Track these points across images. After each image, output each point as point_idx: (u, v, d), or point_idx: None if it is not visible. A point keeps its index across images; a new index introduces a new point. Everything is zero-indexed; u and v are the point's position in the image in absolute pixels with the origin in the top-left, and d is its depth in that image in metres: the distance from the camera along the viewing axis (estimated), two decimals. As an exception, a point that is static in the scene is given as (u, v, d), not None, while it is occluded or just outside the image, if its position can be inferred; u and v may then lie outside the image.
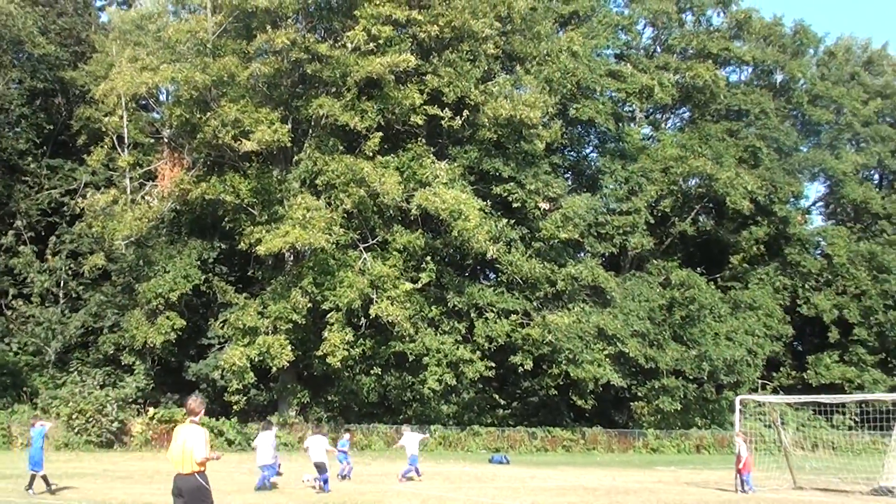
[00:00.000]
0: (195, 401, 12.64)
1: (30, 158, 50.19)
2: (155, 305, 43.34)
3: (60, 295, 47.30)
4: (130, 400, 41.87)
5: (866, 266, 63.72)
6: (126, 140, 46.99)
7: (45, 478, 23.08)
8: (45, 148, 51.20)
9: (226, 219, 45.80)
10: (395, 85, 45.06)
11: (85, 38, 53.42)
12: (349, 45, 43.62)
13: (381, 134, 44.70)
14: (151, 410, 42.31)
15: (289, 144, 44.18)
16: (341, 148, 45.21)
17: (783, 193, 62.45)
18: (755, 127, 64.08)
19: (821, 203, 75.63)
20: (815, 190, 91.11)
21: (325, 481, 24.91)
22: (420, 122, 45.79)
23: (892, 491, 27.00)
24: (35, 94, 51.52)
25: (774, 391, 59.31)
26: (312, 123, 45.67)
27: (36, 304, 46.13)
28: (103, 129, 46.09)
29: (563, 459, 43.90)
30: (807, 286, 63.59)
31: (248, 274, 48.04)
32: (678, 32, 65.32)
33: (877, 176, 75.98)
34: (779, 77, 67.98)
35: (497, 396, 51.65)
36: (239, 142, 42.01)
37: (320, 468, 25.07)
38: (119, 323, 45.17)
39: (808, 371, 62.83)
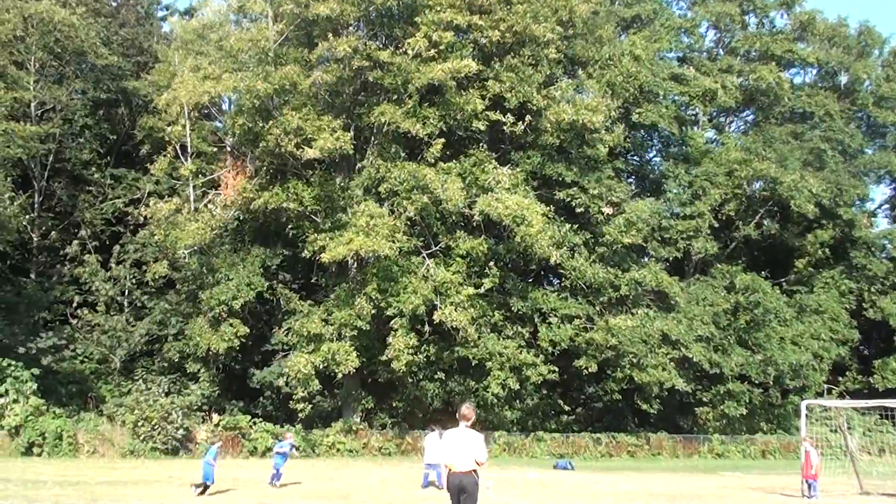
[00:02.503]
0: (468, 408, 14.35)
1: (94, 168, 50.81)
2: (218, 313, 43.58)
3: (125, 303, 47.71)
4: (195, 407, 42.13)
5: (933, 267, 62.68)
6: (189, 149, 47.51)
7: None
8: (108, 158, 51.79)
9: (289, 226, 45.97)
10: (457, 91, 44.96)
11: (147, 49, 54.02)
12: (410, 51, 43.56)
13: (442, 140, 44.57)
14: (216, 417, 42.55)
15: (351, 152, 44.21)
16: (403, 155, 45.19)
17: (848, 196, 61.51)
18: (820, 129, 63.23)
19: (886, 205, 74.44)
20: (880, 192, 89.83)
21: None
22: (482, 128, 45.67)
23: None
24: (98, 104, 52.10)
25: (840, 396, 58.37)
26: (374, 130, 45.64)
27: (101, 313, 46.52)
28: (166, 139, 46.50)
29: (628, 465, 43.54)
30: (873, 289, 62.55)
31: (312, 281, 48.19)
32: (741, 34, 64.69)
33: (944, 177, 74.62)
34: (843, 78, 66.96)
35: (561, 402, 51.35)
36: (301, 150, 42.09)
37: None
38: (183, 331, 45.48)
39: (875, 375, 61.77)
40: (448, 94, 44.66)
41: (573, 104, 47.20)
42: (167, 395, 41.57)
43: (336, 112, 45.00)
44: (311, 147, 41.68)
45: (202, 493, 23.76)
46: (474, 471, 13.97)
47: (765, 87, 59.90)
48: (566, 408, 51.90)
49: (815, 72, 68.54)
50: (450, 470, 14.10)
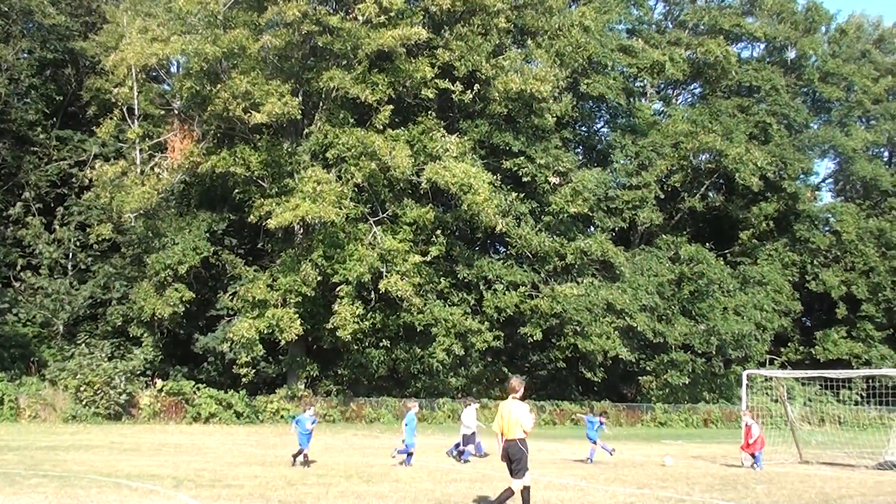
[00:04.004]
0: (516, 380, 15.46)
1: (39, 129, 50.05)
2: (163, 277, 43.34)
3: (69, 266, 47.25)
4: (138, 372, 41.77)
5: (875, 243, 63.91)
6: (136, 111, 47.01)
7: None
8: (54, 119, 51.08)
9: (236, 191, 45.73)
10: (406, 58, 44.94)
11: (95, 9, 53.16)
12: (360, 17, 43.38)
13: (391, 107, 44.51)
14: (160, 383, 42.31)
15: (299, 117, 44.12)
16: (352, 121, 45.06)
17: (793, 170, 62.38)
18: (766, 103, 63.99)
19: (830, 180, 75.57)
20: (824, 167, 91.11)
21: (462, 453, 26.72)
22: (431, 96, 45.58)
23: (897, 465, 27.04)
24: (45, 64, 51.31)
25: (782, 366, 59.40)
26: (323, 96, 45.44)
27: (44, 276, 46.01)
28: (113, 101, 45.90)
29: (571, 433, 43.91)
30: (815, 262, 63.66)
31: (258, 247, 48.05)
32: (690, 8, 65.32)
33: (886, 153, 75.90)
34: (790, 54, 67.70)
35: (506, 369, 51.60)
36: (249, 114, 41.82)
37: (466, 439, 27.05)
38: (127, 295, 45.16)
39: (816, 346, 63.06)
40: (397, 60, 44.59)
41: (522, 74, 47.22)
42: (110, 359, 41.18)
43: (284, 77, 44.68)
44: (258, 112, 41.40)
45: (304, 461, 23.13)
46: (520, 439, 14.88)
47: (712, 61, 60.46)
48: (511, 374, 52.16)
49: (762, 46, 69.33)
50: (503, 436, 15.07)
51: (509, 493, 14.93)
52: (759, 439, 27.41)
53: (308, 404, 27.08)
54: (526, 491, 14.94)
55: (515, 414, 14.91)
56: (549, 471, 23.18)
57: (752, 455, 27.36)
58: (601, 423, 28.98)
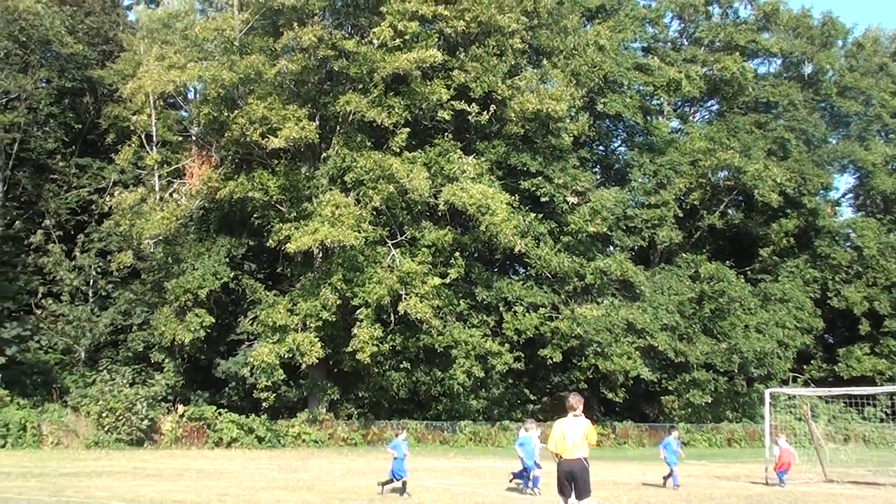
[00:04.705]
0: (574, 398, 15.22)
1: (58, 157, 50.38)
2: (183, 303, 43.52)
3: (90, 293, 47.53)
4: (160, 398, 41.96)
5: (897, 257, 63.33)
6: (154, 138, 47.46)
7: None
8: (73, 147, 51.40)
9: (254, 216, 45.89)
10: (422, 81, 45.04)
11: (113, 37, 53.58)
12: (375, 41, 43.58)
13: (408, 130, 44.65)
14: (181, 408, 42.40)
15: (316, 141, 44.22)
16: (369, 144, 45.15)
17: (812, 185, 62.02)
18: (784, 119, 63.69)
19: (850, 195, 74.99)
20: (844, 182, 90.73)
21: (529, 479, 24.65)
22: (447, 118, 45.73)
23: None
24: (63, 93, 51.64)
25: (805, 384, 58.99)
26: (340, 120, 45.59)
27: (65, 303, 46.29)
28: (131, 128, 46.35)
29: (594, 454, 43.15)
30: (837, 278, 63.12)
31: (278, 271, 48.20)
32: (705, 25, 65.03)
33: (905, 167, 75.33)
34: (807, 69, 67.37)
35: (527, 391, 51.55)
36: (267, 139, 42.05)
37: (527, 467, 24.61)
38: (148, 321, 45.37)
39: (839, 363, 62.41)
40: (413, 83, 44.68)
41: (538, 94, 47.33)
42: (132, 385, 41.37)
43: (301, 101, 44.91)
44: (276, 136, 41.65)
45: (402, 489, 22.49)
46: (584, 458, 14.72)
47: (729, 77, 60.25)
48: (532, 397, 52.10)
49: (778, 62, 68.97)
50: (561, 457, 14.78)
51: None
52: (781, 460, 27.42)
53: (400, 427, 26.49)
54: None
55: (582, 431, 14.70)
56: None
57: (778, 473, 27.33)
58: (678, 442, 27.84)
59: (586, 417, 15.30)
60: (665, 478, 26.79)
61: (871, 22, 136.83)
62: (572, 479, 14.58)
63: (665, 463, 26.98)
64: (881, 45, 74.49)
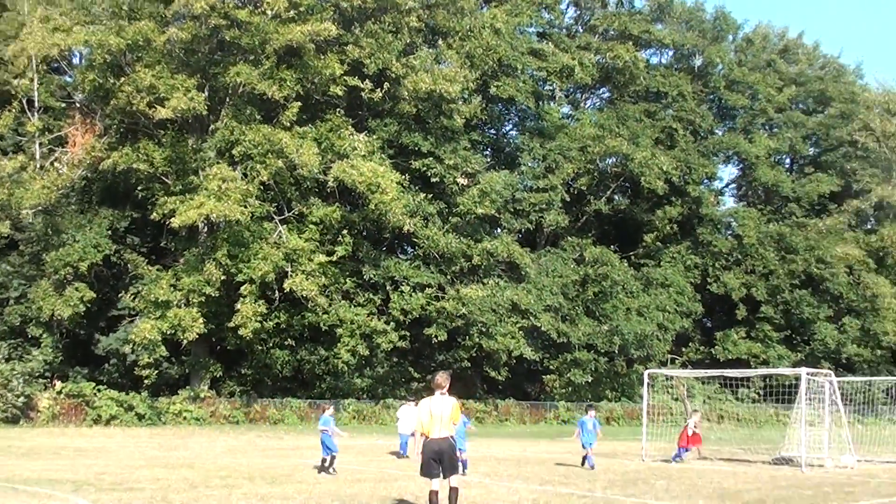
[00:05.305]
0: (442, 376, 14.71)
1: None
2: (63, 276, 42.30)
3: (-36, 265, 45.96)
4: (37, 374, 40.84)
5: (774, 247, 65.23)
6: (36, 104, 45.97)
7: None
8: (-51, 110, 49.63)
9: (139, 188, 44.94)
10: (315, 54, 44.49)
11: (-6, -4, 51.83)
12: (269, 11, 42.86)
13: (299, 104, 44.19)
14: (59, 385, 41.47)
15: (205, 113, 43.41)
16: (258, 118, 44.48)
17: (697, 175, 63.56)
18: (672, 109, 65.07)
19: (733, 185, 77.13)
20: (728, 172, 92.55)
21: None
22: (339, 93, 45.29)
23: (792, 460, 27.60)
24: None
25: (683, 365, 60.30)
26: (230, 92, 44.82)
27: (-61, 274, 44.73)
28: (12, 92, 44.87)
29: (475, 431, 44.00)
30: (717, 265, 64.81)
31: (161, 245, 47.27)
32: (600, 13, 65.79)
33: (788, 160, 77.52)
34: (697, 61, 68.70)
35: (412, 370, 51.68)
36: (154, 109, 41.16)
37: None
38: (26, 294, 43.88)
39: (716, 347, 64.13)
40: (306, 56, 44.18)
41: (432, 74, 47.26)
42: (7, 361, 40.28)
43: (190, 71, 44.01)
44: (163, 106, 40.79)
45: (330, 464, 22.26)
46: (451, 436, 14.36)
47: (621, 66, 61.15)
48: (416, 375, 52.18)
49: (670, 53, 70.29)
50: (426, 437, 14.34)
51: (456, 493, 14.42)
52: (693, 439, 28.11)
53: (329, 404, 26.31)
54: (456, 490, 14.49)
55: (448, 410, 14.32)
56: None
57: (680, 450, 27.99)
58: (596, 421, 26.29)
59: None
60: (583, 459, 25.63)
61: (761, 19, 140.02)
62: (440, 458, 14.20)
63: (581, 444, 25.82)
64: (770, 42, 76.60)
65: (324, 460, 22.42)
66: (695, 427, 28.86)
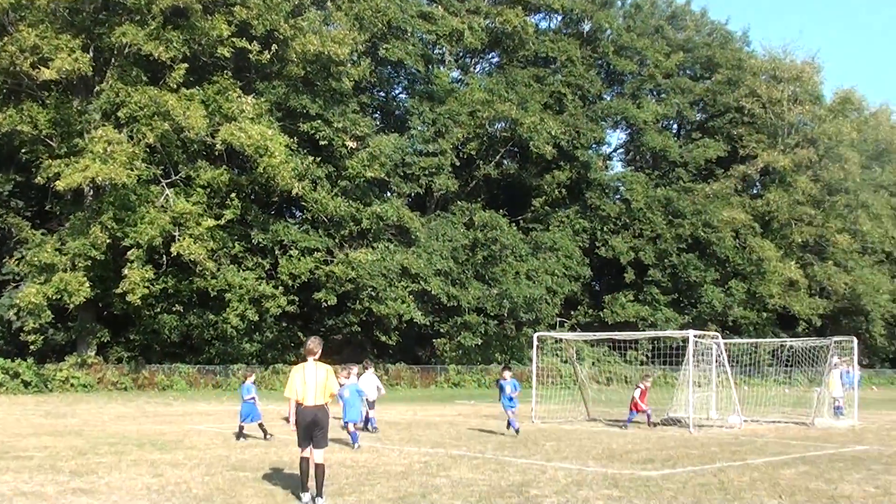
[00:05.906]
0: (314, 342, 14.18)
1: None
2: (-57, 240, 41.33)
3: None
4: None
5: (662, 211, 66.55)
6: (-89, 63, 44.35)
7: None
8: None
9: (22, 151, 43.78)
10: (202, 15, 43.80)
11: None
12: (154, -29, 42.09)
13: (186, 65, 43.43)
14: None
15: (90, 74, 42.44)
16: (145, 79, 43.67)
17: (586, 140, 64.35)
18: (561, 74, 65.69)
19: (621, 150, 78.44)
20: (616, 137, 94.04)
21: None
22: (227, 55, 44.73)
23: (680, 421, 28.35)
24: None
25: (572, 328, 61.30)
26: (115, 52, 43.85)
27: None
28: None
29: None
30: (605, 229, 65.87)
31: (46, 209, 46.23)
32: (490, -24, 65.88)
33: (675, 126, 79.20)
34: (586, 26, 69.44)
35: (301, 334, 51.52)
36: (37, 70, 40.09)
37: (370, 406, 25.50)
38: None
39: (605, 310, 65.24)
40: (193, 17, 43.49)
41: (320, 36, 47.00)
42: None
43: (75, 31, 42.91)
44: (47, 67, 39.78)
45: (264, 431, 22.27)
46: (326, 405, 13.84)
47: (510, 31, 61.37)
48: (306, 340, 52.08)
49: (559, 18, 70.72)
50: (300, 404, 13.70)
51: (323, 469, 13.71)
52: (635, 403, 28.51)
53: (249, 371, 25.79)
54: (321, 467, 13.80)
55: (323, 377, 13.76)
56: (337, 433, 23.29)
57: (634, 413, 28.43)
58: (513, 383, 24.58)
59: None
60: (508, 423, 24.46)
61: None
62: (314, 426, 13.65)
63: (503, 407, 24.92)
64: (658, 8, 77.86)
65: (241, 427, 22.35)
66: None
